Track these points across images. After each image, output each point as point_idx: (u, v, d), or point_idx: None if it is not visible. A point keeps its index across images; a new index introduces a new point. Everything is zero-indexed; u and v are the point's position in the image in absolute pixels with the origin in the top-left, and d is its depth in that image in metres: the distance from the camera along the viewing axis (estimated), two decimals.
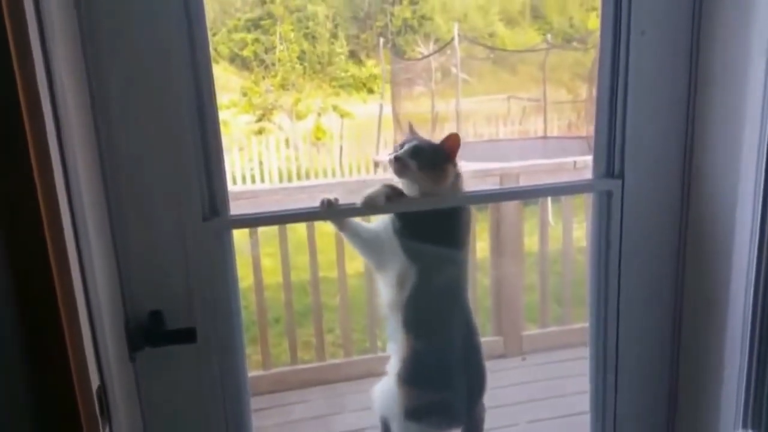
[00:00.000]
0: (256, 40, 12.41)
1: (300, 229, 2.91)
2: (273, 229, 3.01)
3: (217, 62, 12.05)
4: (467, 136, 8.95)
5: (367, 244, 1.33)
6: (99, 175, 0.99)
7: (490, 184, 2.70)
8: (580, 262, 3.21)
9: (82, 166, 0.87)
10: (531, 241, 3.26)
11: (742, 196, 1.06)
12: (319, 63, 13.27)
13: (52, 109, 0.79)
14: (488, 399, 2.75)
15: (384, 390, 1.45)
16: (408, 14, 15.87)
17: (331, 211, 1.13)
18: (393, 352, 1.42)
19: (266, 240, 3.12)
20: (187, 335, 1.05)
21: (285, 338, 3.09)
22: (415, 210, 1.29)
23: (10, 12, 0.70)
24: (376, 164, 8.45)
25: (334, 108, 11.01)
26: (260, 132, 10.23)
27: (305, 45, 13.18)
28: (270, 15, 13.17)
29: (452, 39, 8.26)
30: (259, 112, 10.94)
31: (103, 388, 0.89)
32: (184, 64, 0.99)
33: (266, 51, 12.45)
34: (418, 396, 1.38)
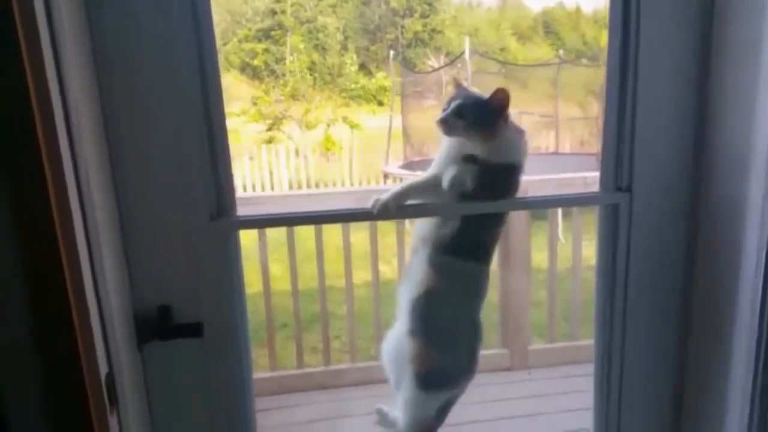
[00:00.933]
0: (267, 50, 12.53)
1: (309, 240, 2.93)
2: (282, 236, 3.02)
3: (228, 71, 12.15)
4: None
5: (423, 196, 1.28)
6: (109, 175, 1.00)
7: None
8: (588, 280, 3.20)
9: (92, 167, 0.89)
10: (540, 258, 3.25)
11: (751, 210, 1.06)
12: (329, 74, 13.37)
13: (64, 112, 0.80)
14: (493, 411, 2.77)
15: (393, 346, 1.44)
16: (419, 27, 15.97)
17: (334, 214, 1.13)
18: (402, 308, 1.41)
19: (275, 248, 3.13)
20: (194, 330, 1.06)
21: (292, 342, 3.10)
22: (425, 214, 1.30)
23: (23, 24, 0.72)
24: (386, 175, 8.47)
25: (344, 119, 11.07)
26: (270, 141, 10.28)
27: (315, 56, 13.28)
28: (280, 26, 13.30)
29: (463, 52, 8.27)
30: (269, 122, 11.02)
31: (111, 376, 0.90)
32: (192, 67, 1.00)
33: (276, 61, 12.56)
34: (427, 348, 1.37)
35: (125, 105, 0.99)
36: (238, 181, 7.40)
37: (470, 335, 1.41)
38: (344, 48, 14.30)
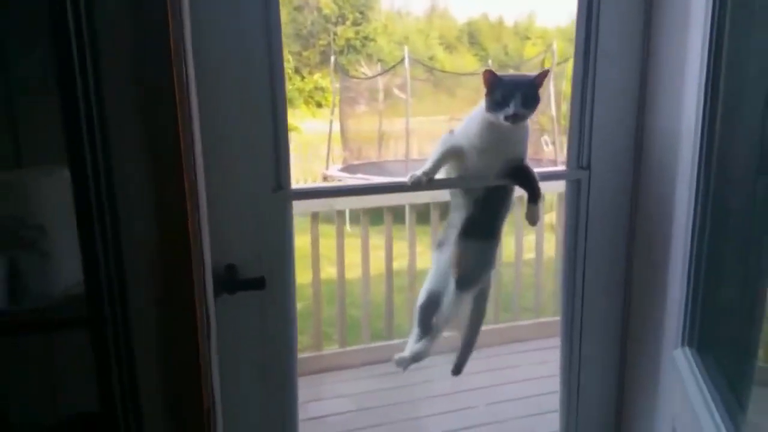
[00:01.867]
0: None
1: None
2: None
3: None
4: (413, 153, 9.37)
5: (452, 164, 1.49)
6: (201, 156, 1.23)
7: None
8: (527, 275, 3.66)
9: (198, 152, 1.12)
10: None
11: (680, 182, 1.39)
12: None
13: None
14: (452, 385, 3.11)
15: (428, 295, 1.65)
16: (351, 34, 16.26)
17: (374, 187, 1.40)
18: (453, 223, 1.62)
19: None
20: (258, 283, 1.30)
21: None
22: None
23: (175, 45, 0.97)
24: (325, 178, 8.71)
25: None
26: None
27: None
28: None
29: (402, 60, 8.61)
30: None
31: (207, 314, 1.14)
32: (263, 72, 1.26)
33: None
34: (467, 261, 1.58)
35: (211, 98, 1.23)
36: None
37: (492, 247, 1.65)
38: None
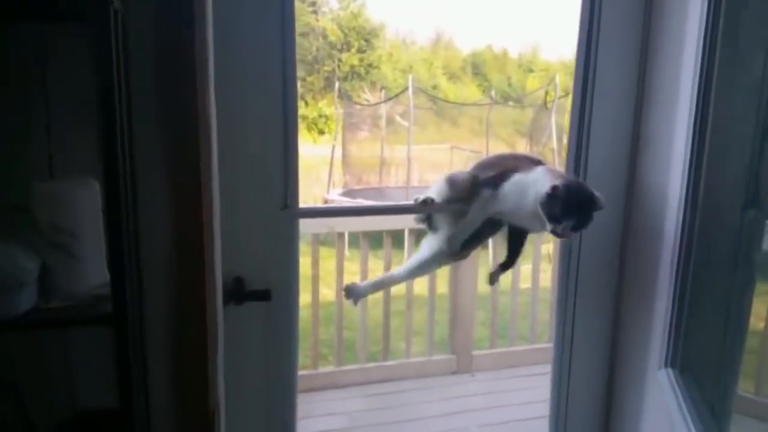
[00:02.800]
0: None
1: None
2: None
3: None
4: (413, 181, 9.51)
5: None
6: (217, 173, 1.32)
7: None
8: (524, 303, 3.73)
9: (214, 169, 1.21)
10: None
11: (669, 219, 1.45)
12: None
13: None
14: (443, 408, 3.17)
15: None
16: (355, 61, 16.53)
17: (380, 208, 1.47)
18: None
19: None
20: (264, 295, 1.37)
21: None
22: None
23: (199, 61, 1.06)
24: (326, 202, 8.81)
25: None
26: None
27: None
28: None
29: (406, 88, 8.75)
30: None
31: (215, 324, 1.21)
32: (276, 97, 1.35)
33: None
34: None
35: (227, 120, 1.31)
36: None
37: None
38: None
